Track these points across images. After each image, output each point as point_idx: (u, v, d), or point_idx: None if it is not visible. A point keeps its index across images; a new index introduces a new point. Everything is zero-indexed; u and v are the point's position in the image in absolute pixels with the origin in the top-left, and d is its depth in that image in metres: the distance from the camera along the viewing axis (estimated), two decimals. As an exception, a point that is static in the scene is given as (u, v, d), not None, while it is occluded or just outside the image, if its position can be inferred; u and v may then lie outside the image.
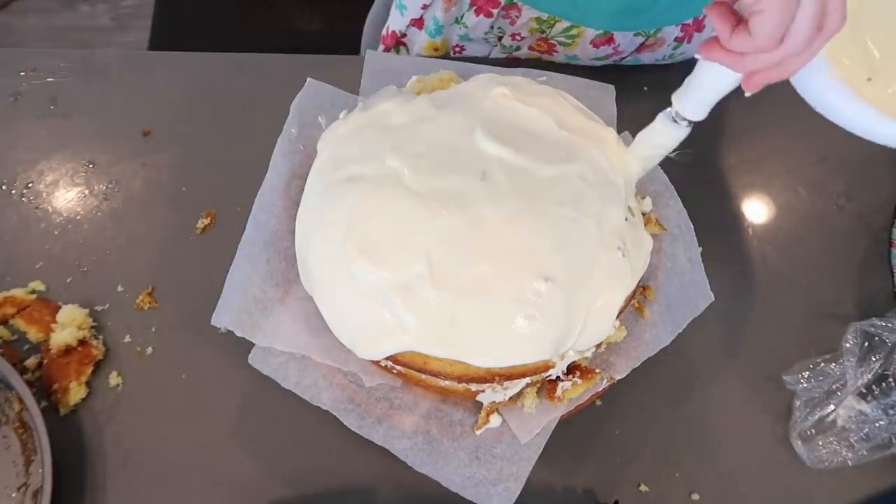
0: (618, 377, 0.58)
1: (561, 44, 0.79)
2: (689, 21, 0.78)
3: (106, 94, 0.79)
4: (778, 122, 0.83)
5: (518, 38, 0.80)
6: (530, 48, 0.82)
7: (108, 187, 0.74)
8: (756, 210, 0.78)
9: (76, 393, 0.62)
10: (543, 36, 0.79)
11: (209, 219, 0.72)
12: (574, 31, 0.77)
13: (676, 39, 0.79)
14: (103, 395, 0.64)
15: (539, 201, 0.52)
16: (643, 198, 0.64)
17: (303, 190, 0.60)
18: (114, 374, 0.64)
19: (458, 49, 0.85)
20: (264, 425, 0.64)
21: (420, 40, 0.85)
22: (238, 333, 0.56)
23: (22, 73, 0.79)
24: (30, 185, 0.73)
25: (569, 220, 0.52)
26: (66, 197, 0.73)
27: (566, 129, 0.57)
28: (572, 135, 0.57)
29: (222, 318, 0.57)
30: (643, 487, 0.63)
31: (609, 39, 0.77)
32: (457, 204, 0.52)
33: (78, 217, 0.72)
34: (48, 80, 0.79)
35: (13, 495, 0.58)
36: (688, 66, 0.51)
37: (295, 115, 0.64)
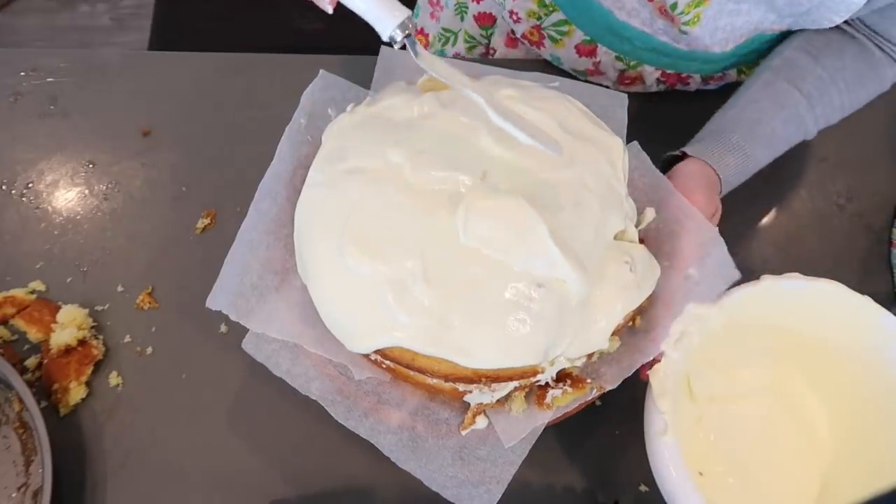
0: (608, 387, 0.57)
1: (550, 38, 0.80)
2: (670, 72, 0.80)
3: (106, 94, 0.79)
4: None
5: (515, 17, 0.81)
6: (523, 35, 0.83)
7: (108, 187, 0.74)
8: (756, 210, 0.78)
9: (76, 393, 0.62)
10: (538, 24, 0.80)
11: (209, 219, 0.72)
12: (565, 28, 0.79)
13: (657, 81, 0.81)
14: (103, 395, 0.64)
15: (537, 205, 0.52)
16: (645, 209, 0.64)
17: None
18: (114, 374, 0.64)
19: None
20: (264, 425, 0.64)
21: None
22: (233, 317, 0.56)
23: (22, 73, 0.79)
24: (30, 185, 0.73)
25: (566, 225, 0.52)
26: (66, 197, 0.73)
27: (570, 134, 0.57)
28: (576, 140, 0.57)
29: (218, 301, 0.56)
30: (643, 487, 0.63)
31: (592, 52, 0.79)
32: (455, 203, 0.52)
33: (78, 217, 0.72)
34: (48, 80, 0.79)
35: (13, 495, 0.58)
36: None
37: (305, 106, 0.64)
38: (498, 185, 0.53)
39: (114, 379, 0.64)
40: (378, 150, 0.55)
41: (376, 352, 0.54)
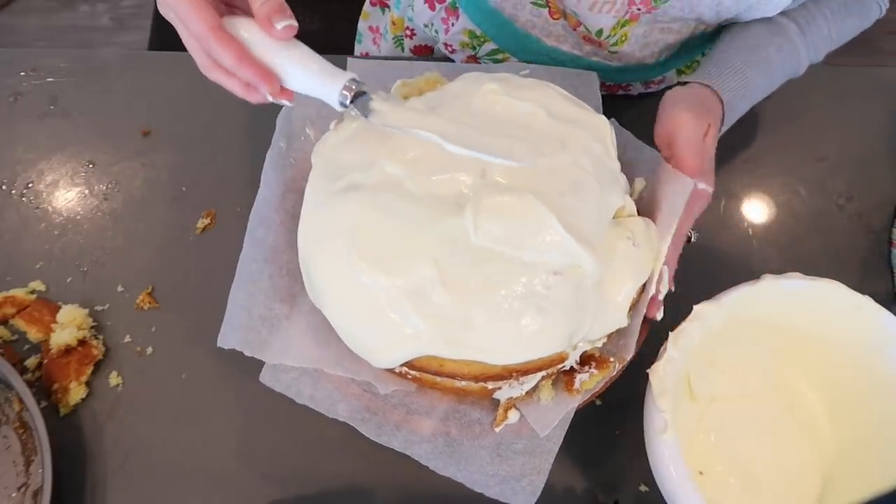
0: (628, 358, 0.58)
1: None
2: (611, 83, 0.80)
3: (106, 94, 0.79)
4: (777, 121, 0.83)
5: (450, 48, 0.82)
6: (462, 62, 0.84)
7: (108, 187, 0.74)
8: (756, 210, 0.78)
9: (76, 393, 0.62)
10: (473, 54, 0.81)
11: (209, 219, 0.72)
12: (500, 56, 0.79)
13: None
14: (103, 395, 0.64)
15: (539, 194, 0.52)
16: (634, 180, 0.64)
17: (298, 203, 0.59)
18: (114, 374, 0.64)
19: (409, 32, 0.87)
20: (264, 425, 0.64)
21: (393, 7, 0.87)
22: (247, 353, 0.56)
23: (22, 73, 0.79)
24: (30, 185, 0.73)
25: (570, 209, 0.52)
26: (66, 197, 0.73)
27: (558, 120, 0.57)
28: (565, 125, 0.57)
29: (229, 339, 0.56)
30: (643, 487, 0.63)
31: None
32: (460, 204, 0.52)
33: (78, 217, 0.72)
34: (48, 80, 0.79)
35: (13, 495, 0.58)
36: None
37: (282, 128, 0.64)
38: (498, 179, 0.53)
39: (114, 379, 0.64)
40: (372, 163, 0.55)
41: (404, 364, 0.54)
